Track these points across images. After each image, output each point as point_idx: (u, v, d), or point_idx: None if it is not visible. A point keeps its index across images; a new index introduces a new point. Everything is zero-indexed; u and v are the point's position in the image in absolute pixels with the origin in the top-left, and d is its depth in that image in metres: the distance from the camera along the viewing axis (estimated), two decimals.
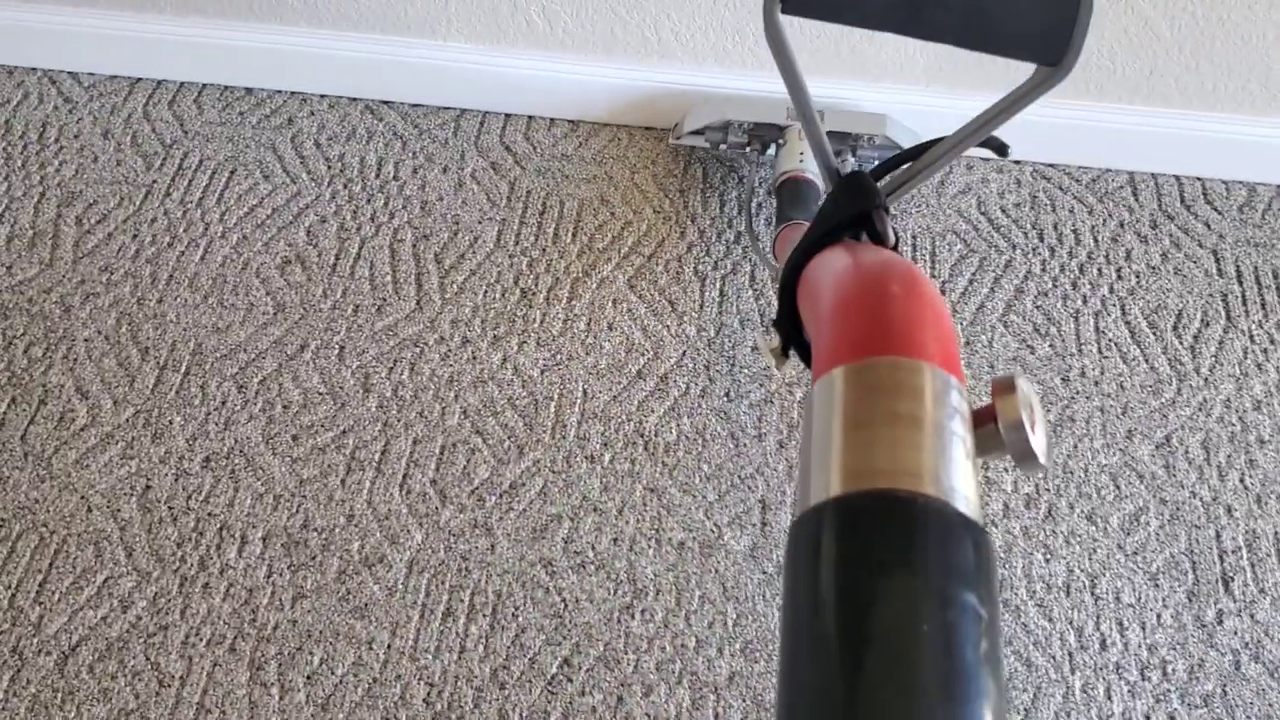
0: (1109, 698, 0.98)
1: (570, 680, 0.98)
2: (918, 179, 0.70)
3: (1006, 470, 1.10)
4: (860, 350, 0.43)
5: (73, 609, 1.02)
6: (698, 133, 1.29)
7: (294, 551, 1.05)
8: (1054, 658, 1.00)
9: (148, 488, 1.08)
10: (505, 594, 1.03)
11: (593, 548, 1.06)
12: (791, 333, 0.62)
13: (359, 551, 1.05)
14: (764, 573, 1.04)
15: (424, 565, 1.04)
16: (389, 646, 1.00)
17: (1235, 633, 1.02)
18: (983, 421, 0.42)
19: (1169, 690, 0.99)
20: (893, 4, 0.60)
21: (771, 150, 1.27)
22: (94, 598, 1.02)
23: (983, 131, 0.64)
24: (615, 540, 1.06)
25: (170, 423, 1.13)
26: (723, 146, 1.30)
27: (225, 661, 0.99)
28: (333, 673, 0.98)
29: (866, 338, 0.44)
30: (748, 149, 1.28)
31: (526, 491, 1.09)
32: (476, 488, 1.09)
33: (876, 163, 0.82)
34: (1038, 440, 0.43)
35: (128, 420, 1.13)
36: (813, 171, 1.15)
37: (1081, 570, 1.05)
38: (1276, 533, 1.08)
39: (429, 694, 0.98)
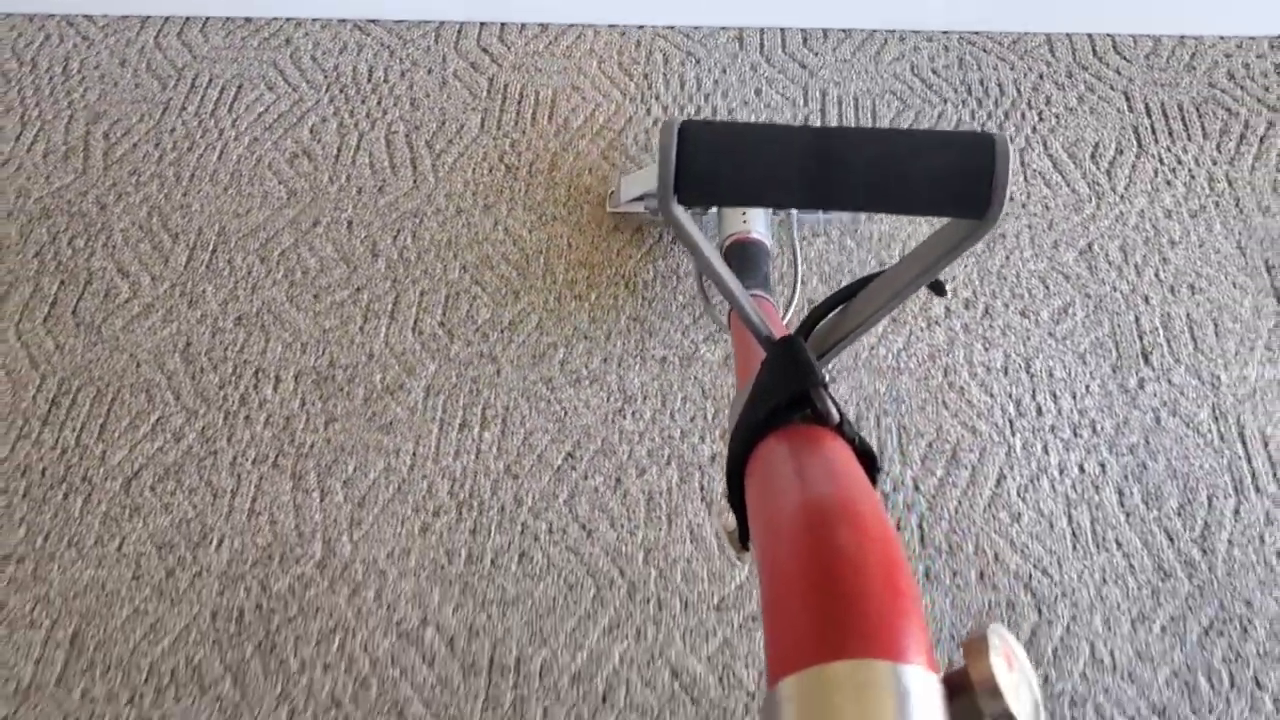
0: (1046, 452, 1.14)
1: (574, 468, 1.13)
2: (854, 336, 0.67)
3: (947, 278, 1.26)
4: (809, 655, 0.37)
5: (132, 443, 1.16)
6: (636, 199, 1.27)
7: (323, 385, 1.20)
8: (996, 424, 1.16)
9: (188, 344, 1.23)
10: (512, 407, 1.18)
11: (586, 367, 1.21)
12: (746, 522, 0.57)
13: (381, 382, 1.20)
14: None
15: (439, 388, 1.19)
16: (414, 454, 1.15)
17: (1155, 395, 1.17)
18: (956, 690, 0.37)
19: (1098, 444, 1.14)
20: (794, 186, 0.57)
21: (713, 210, 1.23)
22: (149, 433, 1.17)
23: (918, 283, 0.62)
24: (605, 360, 1.21)
25: (204, 292, 1.28)
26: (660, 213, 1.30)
27: (270, 475, 1.14)
28: (366, 477, 1.13)
29: (816, 639, 0.38)
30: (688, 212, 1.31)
31: (524, 326, 1.24)
32: (480, 326, 1.24)
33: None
34: (1022, 704, 0.37)
35: (165, 292, 1.28)
36: (758, 231, 1.15)
37: (1017, 355, 1.21)
38: (1188, 314, 1.23)
39: (452, 487, 1.12)
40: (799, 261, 1.22)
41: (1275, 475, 1.11)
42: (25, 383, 1.19)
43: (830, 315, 0.71)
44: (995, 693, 0.36)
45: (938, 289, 0.65)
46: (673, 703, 0.98)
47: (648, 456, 1.13)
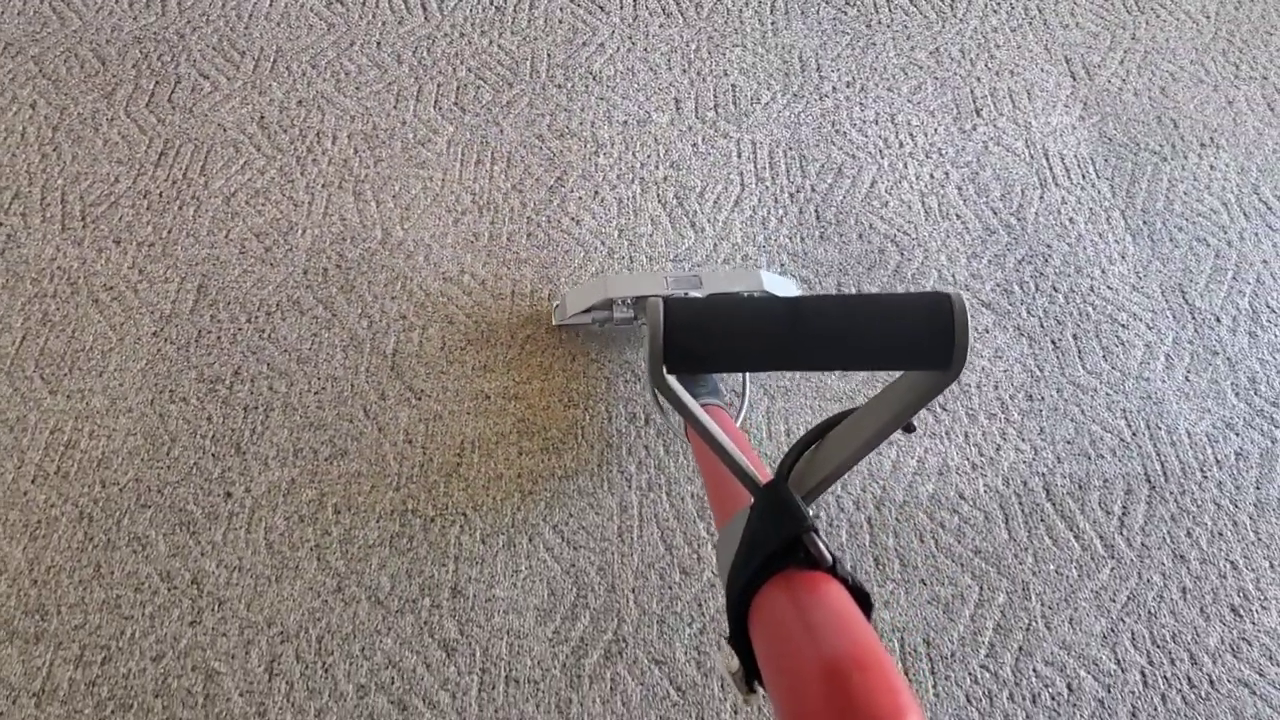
0: (905, 167, 1.60)
1: (562, 186, 1.56)
2: (834, 478, 0.68)
3: (833, 71, 1.73)
4: None
5: (227, 176, 1.57)
6: (582, 312, 1.31)
7: (370, 140, 1.62)
8: (869, 153, 1.61)
9: (262, 117, 1.65)
10: (513, 153, 1.61)
11: (567, 127, 1.64)
12: (751, 665, 0.60)
13: (413, 137, 1.62)
14: (679, 130, 1.63)
15: (458, 141, 1.62)
16: (442, 180, 1.57)
17: (984, 134, 1.64)
18: None
19: (943, 161, 1.60)
20: (770, 351, 0.60)
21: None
22: (239, 170, 1.58)
23: (891, 429, 0.64)
24: (581, 124, 1.65)
25: (269, 86, 1.70)
26: (608, 325, 1.34)
27: (336, 193, 1.55)
28: (409, 192, 1.55)
29: None
30: (636, 322, 1.31)
31: (518, 104, 1.68)
32: (485, 104, 1.68)
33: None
34: None
35: (240, 86, 1.70)
36: None
37: (884, 113, 1.67)
38: (1009, 88, 1.71)
39: (474, 198, 1.55)
40: (746, 375, 1.27)
41: (1068, 176, 1.58)
42: (137, 142, 1.60)
43: (805, 453, 0.72)
44: None
45: (908, 427, 0.67)
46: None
47: (617, 179, 1.56)
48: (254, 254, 1.42)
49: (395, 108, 1.62)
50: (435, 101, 1.63)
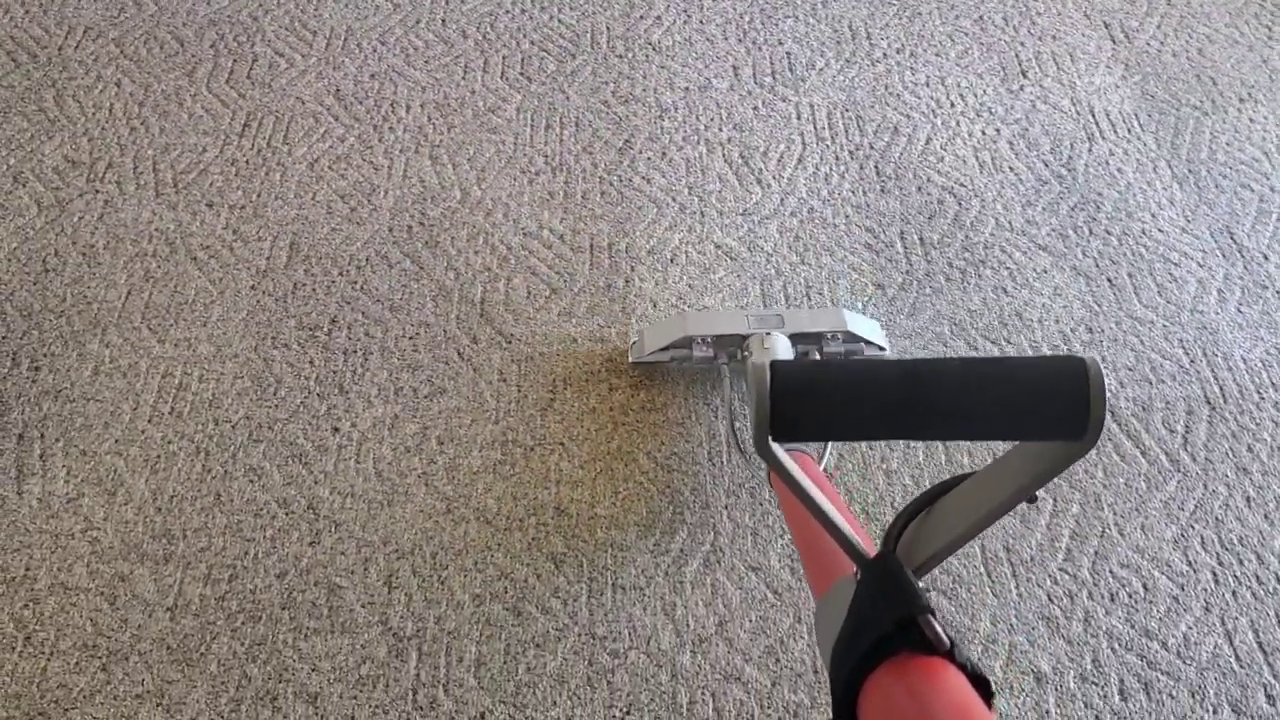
0: (958, 125, 1.67)
1: (630, 148, 1.64)
2: (950, 551, 0.63)
3: (883, 39, 1.81)
4: None
5: (309, 144, 1.65)
6: (660, 350, 1.27)
7: (441, 109, 1.70)
8: (923, 112, 1.69)
9: (338, 90, 1.73)
10: (581, 119, 1.68)
11: (630, 94, 1.72)
12: None
13: (483, 105, 1.70)
14: (739, 95, 1.71)
15: (526, 108, 1.70)
16: (514, 144, 1.64)
17: (1031, 94, 1.72)
18: None
19: (994, 119, 1.68)
20: (886, 421, 0.55)
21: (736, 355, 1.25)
22: (320, 138, 1.65)
23: (1015, 501, 0.60)
24: (644, 90, 1.73)
25: (342, 62, 1.78)
26: (687, 364, 1.31)
27: (413, 158, 1.63)
28: (484, 155, 1.63)
29: None
30: (716, 361, 1.27)
31: (582, 73, 1.75)
32: (550, 74, 1.75)
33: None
34: None
35: (314, 63, 1.77)
36: None
37: (934, 76, 1.75)
38: (1053, 52, 1.78)
39: (546, 160, 1.63)
40: None
41: (1114, 130, 1.65)
42: (221, 115, 1.67)
43: (916, 519, 0.67)
44: None
45: (1031, 498, 0.61)
46: (716, 262, 1.49)
47: (683, 140, 1.64)
48: (340, 214, 1.49)
49: (464, 79, 1.69)
50: (502, 72, 1.70)
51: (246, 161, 1.56)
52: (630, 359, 1.32)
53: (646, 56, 1.72)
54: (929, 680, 0.52)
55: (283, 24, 1.79)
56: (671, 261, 1.43)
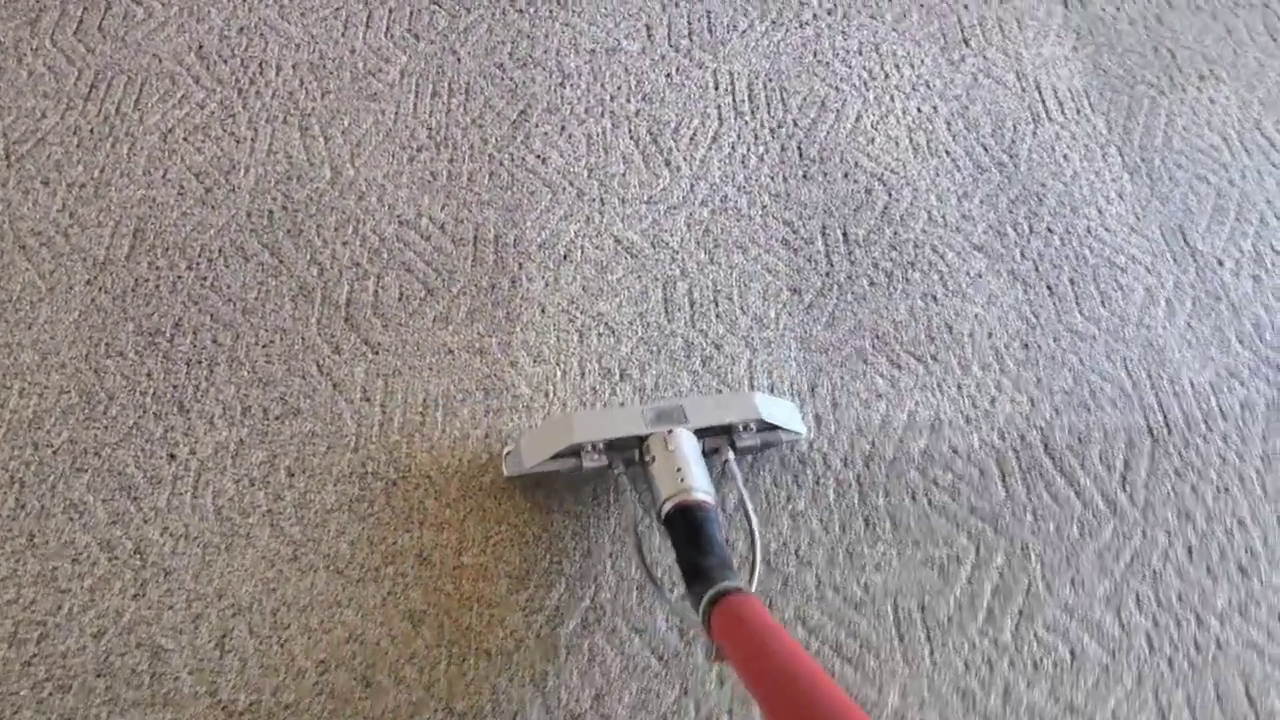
0: (892, 101, 1.50)
1: (526, 120, 1.45)
2: None
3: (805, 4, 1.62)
4: None
5: (163, 110, 1.45)
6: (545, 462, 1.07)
7: (316, 71, 1.50)
8: (854, 85, 1.52)
9: (201, 46, 1.53)
10: (472, 83, 1.49)
11: (530, 56, 1.53)
12: None
13: (363, 67, 1.51)
14: (651, 59, 1.53)
15: (412, 71, 1.51)
16: (395, 114, 1.46)
17: (973, 65, 1.55)
18: None
19: (931, 94, 1.51)
20: None
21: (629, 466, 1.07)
22: (177, 104, 1.46)
23: None
24: (545, 52, 1.54)
25: (208, 12, 1.57)
26: (576, 474, 1.10)
27: (280, 129, 1.43)
28: (359, 127, 1.43)
29: None
30: (611, 471, 1.06)
31: (477, 30, 1.56)
32: (440, 30, 1.56)
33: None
34: None
35: (175, 13, 1.56)
36: (701, 490, 0.97)
37: (868, 42, 1.57)
38: (998, 16, 1.61)
39: (430, 134, 1.44)
40: (753, 517, 1.04)
41: (1062, 110, 1.49)
42: (65, 74, 1.47)
43: None
44: None
45: None
46: (615, 259, 1.32)
47: (585, 113, 1.46)
48: (194, 195, 1.31)
49: (344, 35, 1.50)
50: (387, 29, 1.52)
51: (91, 130, 1.37)
52: (505, 473, 1.11)
53: (550, 12, 1.54)
54: None
55: None
56: (565, 258, 1.27)
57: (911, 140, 1.41)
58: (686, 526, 0.95)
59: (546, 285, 1.24)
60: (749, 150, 1.39)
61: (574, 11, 1.54)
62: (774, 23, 1.55)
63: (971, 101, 1.47)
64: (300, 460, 1.10)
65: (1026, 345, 1.22)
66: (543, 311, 1.22)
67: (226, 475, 1.09)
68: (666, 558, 1.06)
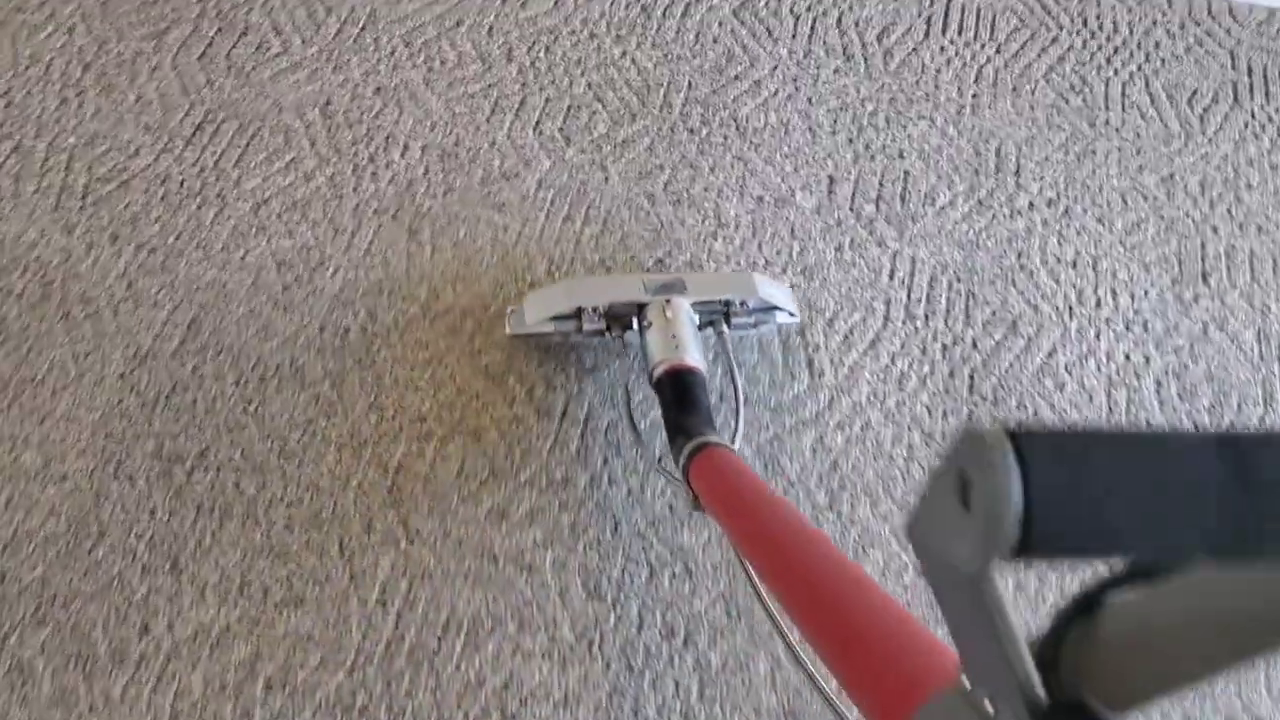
0: (1097, 339, 1.23)
1: (664, 268, 1.23)
2: (1177, 685, 0.35)
3: (1036, 179, 1.35)
4: None
5: (265, 175, 1.27)
6: (547, 320, 1.11)
7: (446, 160, 1.30)
8: (1057, 307, 1.25)
9: (328, 102, 1.34)
10: (614, 212, 1.28)
11: (687, 191, 1.31)
12: None
13: (498, 167, 1.30)
14: (825, 223, 1.28)
15: (550, 184, 1.29)
16: (520, 233, 1.25)
17: (1207, 310, 1.26)
18: None
19: (1147, 339, 1.23)
20: (1202, 528, 0.33)
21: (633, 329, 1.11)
22: (282, 169, 1.27)
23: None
24: (706, 189, 1.31)
25: (348, 60, 1.38)
26: (574, 338, 1.14)
27: (388, 225, 1.24)
28: (474, 243, 1.23)
29: None
30: (608, 336, 1.11)
31: (636, 146, 1.34)
32: (595, 139, 1.34)
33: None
34: None
35: (313, 54, 1.38)
36: (694, 357, 1.03)
37: (1087, 253, 1.30)
38: (1252, 250, 1.32)
39: (549, 266, 1.23)
40: (739, 386, 1.09)
41: None
42: (175, 106, 1.30)
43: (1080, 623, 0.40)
44: None
45: None
46: None
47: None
48: (268, 290, 1.14)
49: (488, 121, 1.30)
50: (536, 124, 1.31)
51: (181, 183, 1.21)
52: (508, 331, 1.14)
53: (725, 139, 1.31)
54: None
55: None
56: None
57: (1110, 397, 1.15)
58: (675, 388, 1.00)
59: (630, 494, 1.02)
60: (910, 367, 1.14)
61: (752, 143, 1.31)
62: (980, 203, 1.29)
63: (1194, 359, 1.19)
64: (285, 670, 0.92)
65: None
66: (615, 530, 1.00)
67: (197, 671, 0.92)
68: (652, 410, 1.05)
